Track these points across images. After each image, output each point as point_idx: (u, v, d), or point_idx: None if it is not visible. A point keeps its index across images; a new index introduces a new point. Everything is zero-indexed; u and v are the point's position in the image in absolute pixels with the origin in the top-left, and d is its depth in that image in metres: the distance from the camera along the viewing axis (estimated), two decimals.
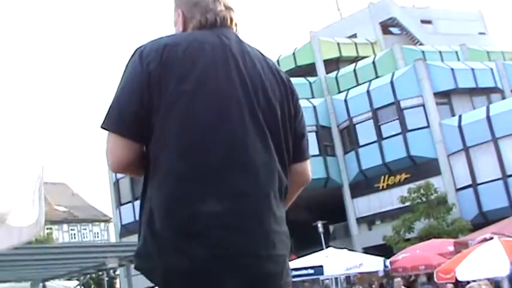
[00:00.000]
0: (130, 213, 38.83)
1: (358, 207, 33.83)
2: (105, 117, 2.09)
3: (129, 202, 39.52)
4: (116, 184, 40.59)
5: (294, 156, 2.23)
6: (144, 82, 2.04)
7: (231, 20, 2.30)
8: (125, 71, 2.14)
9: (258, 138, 2.07)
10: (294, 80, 2.37)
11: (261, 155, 2.06)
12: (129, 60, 2.14)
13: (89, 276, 28.16)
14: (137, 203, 38.44)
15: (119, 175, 38.99)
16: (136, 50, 2.15)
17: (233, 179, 1.99)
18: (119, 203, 40.69)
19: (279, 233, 2.06)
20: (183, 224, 1.92)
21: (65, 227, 66.38)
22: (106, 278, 36.51)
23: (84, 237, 67.50)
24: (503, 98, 33.00)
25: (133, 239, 34.37)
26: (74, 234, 67.23)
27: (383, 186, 32.60)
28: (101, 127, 2.09)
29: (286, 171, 2.17)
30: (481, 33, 48.43)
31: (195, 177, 1.96)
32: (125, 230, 39.10)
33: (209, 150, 1.99)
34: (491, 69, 34.42)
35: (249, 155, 2.03)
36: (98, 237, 68.90)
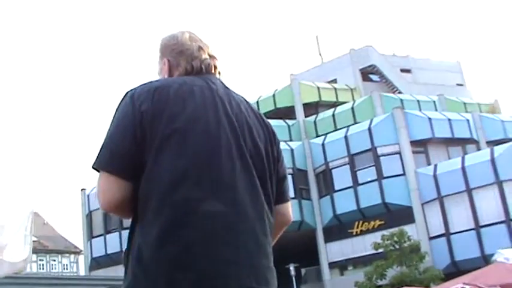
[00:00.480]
0: (101, 246, 38.37)
1: (331, 251, 33.74)
2: (97, 157, 2.13)
3: (101, 235, 39.05)
4: (89, 216, 40.13)
5: (276, 197, 2.30)
6: (136, 121, 2.10)
7: (215, 67, 2.43)
8: (115, 112, 2.20)
9: (246, 177, 2.14)
10: (273, 122, 2.47)
11: (249, 193, 2.12)
12: (120, 103, 2.21)
13: None
14: (109, 236, 38.56)
15: (92, 207, 38.63)
16: (126, 93, 2.22)
17: (225, 224, 2.03)
18: (91, 236, 40.18)
19: (270, 268, 2.11)
20: (176, 256, 1.95)
21: (33, 257, 65.16)
22: None
23: (52, 269, 66.28)
24: (478, 149, 33.43)
25: (103, 272, 34.05)
26: (43, 265, 65.95)
27: (356, 232, 32.60)
28: (93, 167, 2.13)
29: (272, 211, 2.23)
30: (458, 85, 49.19)
31: (186, 210, 2.00)
32: (96, 263, 38.59)
33: (200, 186, 2.05)
34: (468, 120, 34.90)
35: (239, 193, 2.09)
36: (67, 269, 67.70)
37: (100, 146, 2.14)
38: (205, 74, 2.37)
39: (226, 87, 2.37)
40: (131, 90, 2.22)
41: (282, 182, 2.36)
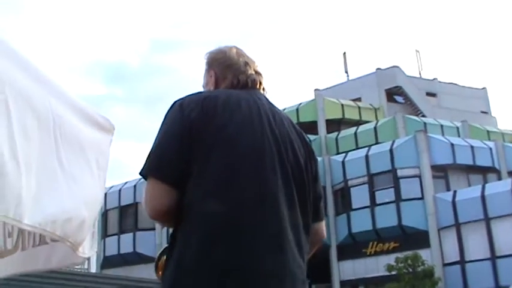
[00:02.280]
0: (115, 245, 38.54)
1: (343, 270, 33.53)
2: (146, 164, 2.17)
3: (115, 234, 39.24)
4: (104, 215, 40.32)
5: (312, 215, 2.33)
6: (185, 129, 2.14)
7: (260, 83, 2.49)
8: (164, 120, 2.24)
9: (286, 191, 2.17)
10: None
11: (288, 205, 2.15)
12: (168, 111, 2.25)
13: None
14: (123, 236, 38.74)
15: (109, 206, 38.85)
16: (175, 102, 2.27)
17: (267, 234, 2.06)
18: (105, 234, 40.36)
19: (304, 281, 2.14)
20: (219, 265, 1.98)
21: None
22: None
23: None
24: (499, 178, 33.14)
25: (114, 272, 34.08)
26: None
27: (371, 252, 32.41)
28: (141, 174, 2.17)
29: (309, 226, 2.26)
30: (483, 112, 48.99)
31: (231, 219, 2.04)
32: (107, 262, 38.74)
33: (245, 196, 2.09)
34: (490, 148, 34.59)
35: (280, 209, 2.12)
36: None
37: (148, 153, 2.18)
38: (251, 89, 2.43)
39: (271, 103, 2.42)
40: (179, 99, 2.27)
41: (317, 200, 2.40)
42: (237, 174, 2.11)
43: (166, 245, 2.21)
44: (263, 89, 2.49)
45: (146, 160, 2.17)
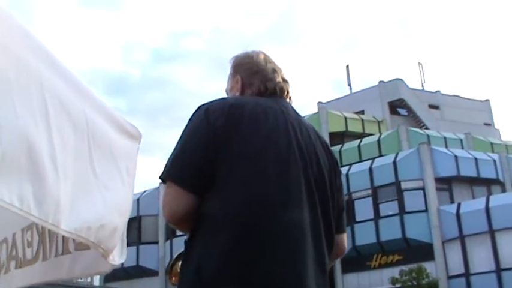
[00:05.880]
0: None
1: (347, 283, 33.38)
2: (167, 168, 2.14)
3: None
4: None
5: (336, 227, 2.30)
6: (210, 137, 2.10)
7: (287, 92, 2.43)
8: (188, 124, 2.20)
9: (309, 204, 2.14)
10: None
11: (311, 223, 2.12)
12: (193, 116, 2.21)
13: None
14: (127, 249, 38.31)
15: None
16: (200, 107, 2.22)
17: (288, 243, 2.04)
18: None
19: None
20: (239, 275, 1.95)
21: None
22: None
23: None
24: (504, 191, 33.11)
25: (117, 285, 33.97)
26: None
27: (375, 265, 32.31)
28: (161, 177, 2.14)
29: (332, 239, 2.24)
30: (486, 124, 48.96)
31: (254, 232, 2.01)
32: (111, 275, 38.54)
33: (270, 209, 2.06)
34: (494, 160, 34.56)
35: (304, 220, 2.10)
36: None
37: (170, 157, 2.15)
38: (278, 97, 2.37)
39: (297, 113, 2.38)
40: (205, 104, 2.22)
41: (340, 212, 2.37)
42: (263, 188, 2.08)
43: (181, 251, 2.18)
44: (289, 97, 2.44)
45: (168, 164, 2.14)
